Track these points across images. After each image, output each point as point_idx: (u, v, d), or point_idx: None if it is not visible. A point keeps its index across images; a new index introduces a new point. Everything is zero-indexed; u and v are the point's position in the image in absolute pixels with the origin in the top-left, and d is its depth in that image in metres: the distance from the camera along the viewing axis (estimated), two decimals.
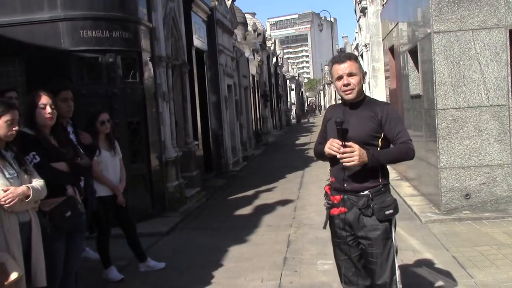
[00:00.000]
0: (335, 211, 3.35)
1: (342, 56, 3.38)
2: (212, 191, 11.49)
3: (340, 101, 3.52)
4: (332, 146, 3.16)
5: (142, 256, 5.90)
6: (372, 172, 3.25)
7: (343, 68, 3.28)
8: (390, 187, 3.47)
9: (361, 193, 3.25)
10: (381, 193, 3.27)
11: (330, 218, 3.42)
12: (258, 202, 10.04)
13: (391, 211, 3.26)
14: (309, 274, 5.48)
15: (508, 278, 4.90)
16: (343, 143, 3.13)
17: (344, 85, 3.28)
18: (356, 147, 3.09)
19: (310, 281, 5.28)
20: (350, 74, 3.27)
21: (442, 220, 7.22)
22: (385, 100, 12.21)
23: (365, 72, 3.48)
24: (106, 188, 5.52)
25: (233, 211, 9.31)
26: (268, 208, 9.26)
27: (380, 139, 3.27)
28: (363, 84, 3.39)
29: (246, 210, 9.31)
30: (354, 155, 3.08)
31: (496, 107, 7.41)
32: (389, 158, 3.24)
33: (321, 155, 3.44)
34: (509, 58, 7.39)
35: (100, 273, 5.64)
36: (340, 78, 3.29)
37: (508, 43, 7.36)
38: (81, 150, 4.08)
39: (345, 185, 3.28)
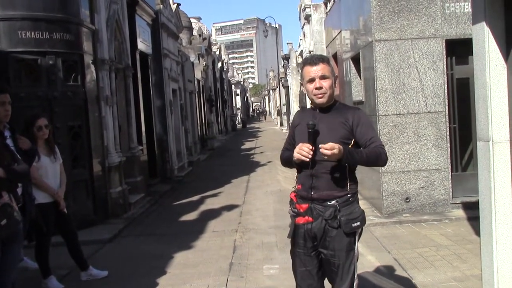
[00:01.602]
0: (300, 220, 3.20)
1: (315, 58, 3.21)
2: (157, 197, 11.32)
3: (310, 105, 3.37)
4: (302, 150, 3.02)
5: (84, 264, 5.73)
6: (341, 180, 3.13)
7: (316, 70, 3.14)
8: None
9: (328, 203, 3.12)
10: (349, 203, 3.15)
11: (294, 227, 3.25)
12: (203, 207, 9.98)
13: (358, 223, 3.14)
14: (255, 279, 5.49)
15: (446, 278, 5.09)
16: (313, 148, 3.01)
17: (316, 89, 3.14)
18: (335, 144, 2.93)
19: (256, 286, 5.29)
20: (322, 77, 3.14)
21: (383, 223, 7.42)
22: None
23: (337, 76, 3.34)
24: (46, 194, 5.32)
25: (178, 217, 9.21)
26: (213, 214, 9.22)
27: (350, 146, 3.12)
28: (334, 88, 3.25)
29: (192, 216, 9.23)
30: (334, 151, 2.90)
31: (434, 114, 7.71)
32: (363, 158, 3.06)
33: (288, 161, 3.30)
34: (445, 66, 7.71)
35: (39, 283, 5.42)
36: (311, 80, 3.16)
37: (445, 52, 7.69)
38: (19, 156, 3.90)
39: (312, 193, 3.14)
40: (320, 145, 2.96)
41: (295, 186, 3.28)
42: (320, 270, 3.27)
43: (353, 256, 3.17)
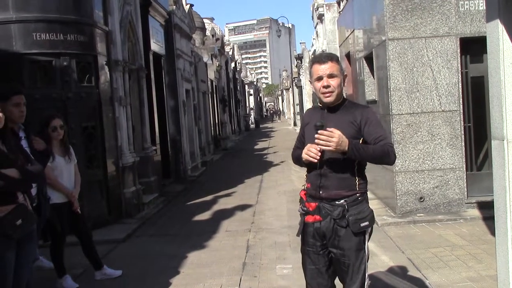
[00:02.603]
0: (309, 218, 3.21)
1: (323, 56, 3.20)
2: (170, 197, 11.36)
3: (319, 104, 3.37)
4: (310, 151, 3.03)
5: (98, 264, 5.77)
6: (349, 179, 3.13)
7: (324, 69, 3.12)
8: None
9: (337, 202, 3.12)
10: (357, 203, 3.13)
11: (304, 226, 3.27)
12: (217, 207, 10.00)
13: (366, 223, 3.11)
14: (268, 279, 5.49)
15: (460, 278, 5.05)
16: (321, 148, 2.99)
17: (324, 87, 3.13)
18: (337, 133, 2.92)
19: (269, 286, 5.29)
20: (330, 76, 3.12)
21: (397, 223, 7.37)
22: None
23: (346, 75, 3.31)
24: (61, 195, 5.37)
25: (192, 217, 9.24)
26: (227, 214, 9.23)
27: None
28: (343, 87, 3.24)
29: (205, 216, 9.26)
30: (332, 140, 2.91)
31: (448, 113, 7.64)
32: (368, 154, 3.02)
33: (298, 160, 3.32)
34: (459, 65, 7.64)
35: (54, 282, 5.48)
36: (319, 79, 3.14)
37: (459, 50, 7.62)
38: (32, 156, 3.94)
39: (320, 192, 3.14)
40: (317, 135, 2.95)
41: (305, 185, 3.29)
42: (330, 269, 3.27)
43: (363, 256, 3.15)
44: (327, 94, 3.15)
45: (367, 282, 3.18)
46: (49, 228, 5.27)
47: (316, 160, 3.05)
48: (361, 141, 3.12)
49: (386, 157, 3.07)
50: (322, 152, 3.01)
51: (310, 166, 3.20)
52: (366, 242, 3.17)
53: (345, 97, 3.35)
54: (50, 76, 7.77)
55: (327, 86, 3.13)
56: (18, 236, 3.58)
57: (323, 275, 3.26)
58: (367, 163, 3.22)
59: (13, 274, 3.62)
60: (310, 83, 3.35)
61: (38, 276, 5.40)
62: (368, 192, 3.29)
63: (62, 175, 5.46)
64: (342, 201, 3.12)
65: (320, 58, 3.20)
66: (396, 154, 3.20)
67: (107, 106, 8.61)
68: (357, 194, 3.15)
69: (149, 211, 9.65)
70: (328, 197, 3.14)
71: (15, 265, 3.61)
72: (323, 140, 2.94)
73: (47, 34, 7.58)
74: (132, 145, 9.77)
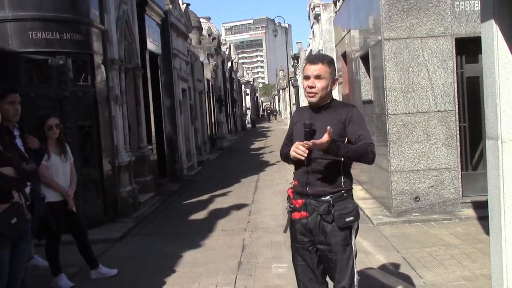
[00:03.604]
0: (296, 215, 3.30)
1: (316, 57, 3.28)
2: (166, 196, 11.36)
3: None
4: (298, 149, 3.10)
5: (94, 262, 5.77)
6: (335, 177, 3.21)
7: (313, 69, 3.20)
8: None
9: (323, 198, 3.20)
10: (342, 199, 3.22)
11: (291, 222, 3.36)
12: (212, 206, 10.00)
13: (351, 218, 3.20)
14: (264, 278, 5.50)
15: (455, 277, 5.07)
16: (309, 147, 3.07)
17: (309, 87, 3.21)
18: (325, 138, 2.99)
19: (265, 285, 5.29)
20: (317, 77, 3.18)
21: (393, 223, 7.40)
22: None
23: (337, 78, 3.36)
24: (56, 193, 5.36)
25: (188, 216, 9.24)
26: (222, 213, 9.24)
27: (344, 143, 3.18)
28: (332, 90, 3.29)
29: (201, 215, 9.26)
30: (320, 142, 2.99)
31: (444, 113, 7.66)
32: (349, 152, 3.10)
33: (286, 157, 3.39)
34: (455, 65, 7.67)
35: (49, 281, 5.47)
36: (307, 78, 3.22)
37: (454, 51, 7.65)
38: (27, 155, 3.94)
39: (307, 188, 3.23)
40: (311, 141, 3.04)
41: (292, 183, 3.37)
42: (320, 265, 3.34)
43: (350, 252, 3.24)
44: (311, 95, 3.24)
45: (356, 278, 3.25)
46: (45, 226, 5.26)
47: (303, 158, 3.11)
48: (346, 139, 3.20)
49: (365, 156, 3.16)
50: (310, 150, 3.09)
51: (297, 164, 3.28)
52: (352, 238, 3.25)
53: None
54: (46, 74, 7.75)
55: (312, 87, 3.21)
56: (13, 235, 3.58)
57: (313, 271, 3.34)
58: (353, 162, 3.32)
59: (8, 272, 3.62)
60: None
61: (34, 275, 5.40)
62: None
63: (58, 174, 5.45)
64: (328, 197, 3.21)
65: (313, 58, 3.28)
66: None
67: (103, 105, 8.59)
68: (342, 191, 3.24)
69: (145, 210, 9.65)
70: (315, 193, 3.22)
71: (10, 263, 3.61)
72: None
73: (43, 33, 7.57)
74: (128, 144, 9.76)
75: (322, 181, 3.20)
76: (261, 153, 21.81)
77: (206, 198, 10.95)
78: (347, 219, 3.20)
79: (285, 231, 3.44)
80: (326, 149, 3.04)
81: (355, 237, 3.28)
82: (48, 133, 5.34)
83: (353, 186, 3.39)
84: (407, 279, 5.12)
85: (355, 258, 3.28)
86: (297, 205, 3.29)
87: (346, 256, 3.22)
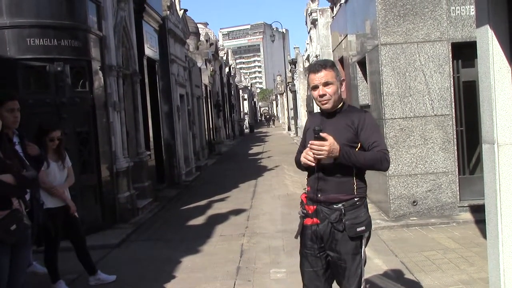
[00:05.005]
0: (308, 221, 3.26)
1: (318, 65, 3.24)
2: (165, 202, 11.36)
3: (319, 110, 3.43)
4: (307, 155, 3.09)
5: (92, 269, 5.76)
6: (347, 184, 3.16)
7: (319, 77, 3.17)
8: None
9: (334, 206, 3.15)
10: (355, 208, 3.16)
11: (302, 228, 3.31)
12: (211, 212, 10.00)
13: (362, 228, 3.15)
14: (262, 283, 5.50)
15: (453, 281, 5.08)
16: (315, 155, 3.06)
17: (320, 96, 3.19)
18: (329, 141, 2.99)
19: None
20: (326, 84, 3.17)
21: (391, 227, 7.41)
22: None
23: (343, 79, 3.34)
24: (55, 199, 5.37)
25: (186, 221, 9.24)
26: (221, 218, 9.24)
27: (356, 149, 3.15)
28: (341, 92, 3.27)
29: (199, 221, 9.26)
30: (323, 148, 2.98)
31: (440, 117, 7.70)
32: (360, 160, 3.07)
33: (299, 164, 3.36)
34: (451, 69, 7.71)
35: (48, 287, 5.47)
36: (315, 88, 3.20)
37: (451, 55, 7.69)
38: (27, 162, 3.95)
39: (318, 195, 3.18)
40: (309, 142, 3.06)
41: (306, 188, 3.35)
42: (327, 272, 3.30)
43: (359, 260, 3.19)
44: (324, 102, 3.21)
45: (363, 286, 3.22)
46: (43, 233, 5.25)
47: (313, 164, 3.10)
48: (359, 145, 3.16)
49: (378, 164, 3.11)
50: (318, 159, 3.07)
51: (309, 170, 3.26)
52: (363, 246, 3.21)
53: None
54: (44, 81, 7.77)
55: (323, 95, 3.19)
56: (13, 241, 3.59)
57: (320, 278, 3.30)
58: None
59: (8, 279, 3.62)
60: (308, 89, 3.41)
61: (32, 281, 5.40)
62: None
63: (55, 181, 5.45)
64: (339, 205, 3.16)
65: (315, 67, 3.24)
66: (390, 159, 3.23)
67: (101, 111, 8.61)
68: (355, 199, 3.18)
69: (143, 216, 9.64)
70: (326, 200, 3.18)
71: (9, 270, 3.61)
72: (315, 150, 3.03)
73: (41, 40, 7.59)
74: (126, 150, 9.76)
75: (334, 188, 3.15)
76: (259, 158, 21.82)
77: (205, 204, 10.95)
78: (359, 229, 3.15)
79: (296, 236, 3.39)
80: (337, 157, 3.01)
81: (366, 246, 3.23)
82: (49, 143, 5.36)
83: None
84: (405, 283, 5.14)
85: (364, 266, 3.24)
86: (310, 211, 3.25)
87: (355, 265, 3.18)
